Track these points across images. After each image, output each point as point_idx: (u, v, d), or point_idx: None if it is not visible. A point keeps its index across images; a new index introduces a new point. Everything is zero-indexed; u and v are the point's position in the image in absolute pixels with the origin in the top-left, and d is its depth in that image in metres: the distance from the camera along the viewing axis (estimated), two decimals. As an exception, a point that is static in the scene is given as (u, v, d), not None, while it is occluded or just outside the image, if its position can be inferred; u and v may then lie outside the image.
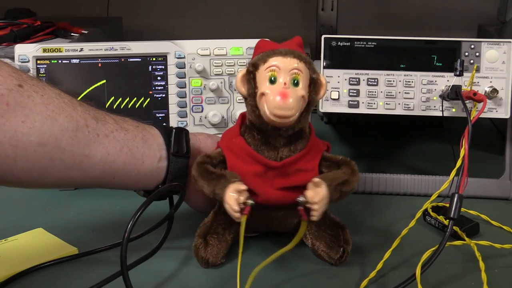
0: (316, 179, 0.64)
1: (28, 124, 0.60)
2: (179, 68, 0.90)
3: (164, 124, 0.90)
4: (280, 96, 0.62)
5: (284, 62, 0.64)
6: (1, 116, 0.58)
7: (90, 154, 0.65)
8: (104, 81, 0.90)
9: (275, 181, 0.67)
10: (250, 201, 0.64)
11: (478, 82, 0.84)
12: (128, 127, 0.70)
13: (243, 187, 0.64)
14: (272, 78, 0.64)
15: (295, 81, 0.64)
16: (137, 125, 0.71)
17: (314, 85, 0.66)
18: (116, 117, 0.70)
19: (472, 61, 0.84)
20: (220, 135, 0.73)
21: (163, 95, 0.91)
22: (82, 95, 0.89)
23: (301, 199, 0.64)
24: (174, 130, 0.73)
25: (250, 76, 0.66)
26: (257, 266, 0.60)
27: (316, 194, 0.63)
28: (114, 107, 0.90)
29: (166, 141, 0.72)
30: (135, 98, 0.91)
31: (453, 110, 0.84)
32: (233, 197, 0.63)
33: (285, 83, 0.63)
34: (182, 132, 0.73)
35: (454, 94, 0.81)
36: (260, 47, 0.69)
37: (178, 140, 0.72)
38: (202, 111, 0.91)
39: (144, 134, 0.71)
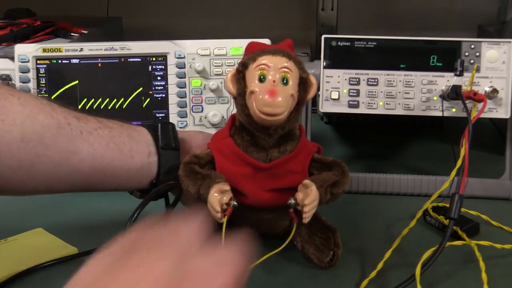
0: (306, 181, 0.64)
1: (8, 122, 0.60)
2: (179, 68, 0.90)
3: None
4: (269, 93, 0.61)
5: (274, 61, 0.63)
6: None
7: (76, 150, 0.64)
8: (77, 81, 0.89)
9: (264, 183, 0.66)
10: (233, 202, 0.63)
11: (478, 82, 0.83)
12: (112, 125, 0.70)
13: (227, 187, 0.63)
14: (262, 77, 0.63)
15: (285, 80, 0.63)
16: (121, 124, 0.71)
17: (303, 84, 0.65)
18: (98, 117, 0.70)
19: (472, 61, 0.84)
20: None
21: (163, 95, 0.91)
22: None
23: (291, 201, 0.64)
24: (159, 124, 0.73)
25: (240, 75, 0.65)
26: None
27: (306, 196, 0.63)
28: (116, 107, 0.90)
29: (154, 136, 0.72)
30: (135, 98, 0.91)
31: (453, 110, 0.84)
32: (216, 197, 0.63)
33: (274, 81, 0.62)
34: (168, 125, 0.73)
35: (454, 94, 0.81)
36: (249, 48, 0.68)
37: (165, 133, 0.72)
38: (202, 111, 0.91)
39: (129, 131, 0.71)
